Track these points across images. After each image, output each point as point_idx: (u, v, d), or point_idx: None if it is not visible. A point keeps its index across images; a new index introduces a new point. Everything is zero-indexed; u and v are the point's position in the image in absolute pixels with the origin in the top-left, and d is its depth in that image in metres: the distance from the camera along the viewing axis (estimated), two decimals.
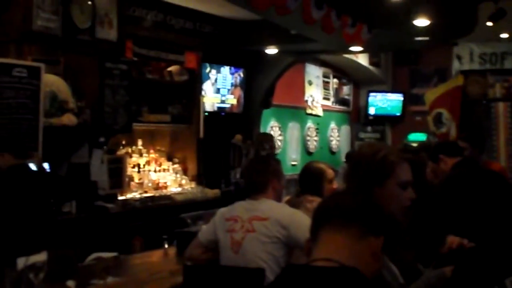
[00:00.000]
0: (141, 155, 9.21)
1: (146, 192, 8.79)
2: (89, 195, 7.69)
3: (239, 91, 11.04)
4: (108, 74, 8.04)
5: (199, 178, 9.84)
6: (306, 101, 13.51)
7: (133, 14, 8.63)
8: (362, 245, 2.04)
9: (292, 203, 4.84)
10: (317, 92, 13.88)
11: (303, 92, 13.40)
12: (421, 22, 9.11)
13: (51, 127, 7.26)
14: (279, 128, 12.51)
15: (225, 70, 10.73)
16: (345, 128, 15.32)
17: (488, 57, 14.14)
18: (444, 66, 14.68)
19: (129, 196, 8.47)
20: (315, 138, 13.82)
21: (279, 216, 4.25)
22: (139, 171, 8.97)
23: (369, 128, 15.50)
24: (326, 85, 14.30)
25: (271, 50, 10.85)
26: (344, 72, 14.91)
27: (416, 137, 13.83)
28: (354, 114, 15.71)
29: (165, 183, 9.23)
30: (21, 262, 3.69)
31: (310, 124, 13.64)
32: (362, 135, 15.51)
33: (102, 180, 7.87)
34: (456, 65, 14.44)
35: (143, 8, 8.79)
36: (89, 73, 7.96)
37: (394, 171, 2.74)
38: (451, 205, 2.72)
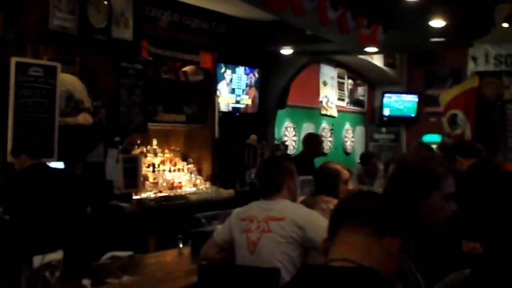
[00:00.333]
0: (156, 154, 9.22)
1: (160, 191, 8.80)
2: (104, 195, 7.72)
3: (254, 92, 11.04)
4: (123, 74, 8.07)
5: (214, 178, 9.85)
6: (321, 101, 13.50)
7: (149, 14, 8.65)
8: (379, 245, 2.03)
9: (307, 204, 4.83)
10: (331, 92, 13.86)
11: (317, 93, 13.39)
12: (437, 23, 9.09)
13: (66, 127, 7.30)
14: (294, 128, 12.51)
15: (240, 70, 10.74)
16: (360, 129, 15.29)
17: (503, 59, 14.04)
18: (459, 67, 14.61)
19: (144, 195, 8.48)
20: (330, 139, 13.80)
21: (295, 217, 4.25)
22: (154, 171, 8.99)
23: (383, 129, 15.47)
24: (340, 86, 14.28)
25: (286, 51, 10.85)
26: (359, 73, 14.89)
27: (431, 139, 13.78)
28: (369, 115, 15.68)
29: (180, 183, 9.24)
30: (37, 260, 3.70)
31: (324, 124, 13.63)
32: (376, 136, 15.49)
33: (117, 179, 7.89)
34: (471, 66, 14.35)
35: (159, 8, 8.80)
36: (104, 73, 8.00)
37: (441, 183, 2.74)
38: (469, 206, 2.72)
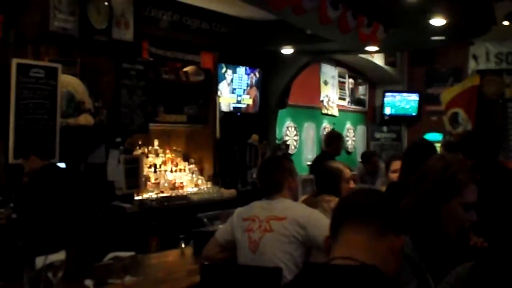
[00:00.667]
0: (157, 155, 9.23)
1: (162, 192, 8.80)
2: (106, 195, 7.73)
3: (255, 91, 11.04)
4: (124, 75, 8.09)
5: (215, 178, 9.85)
6: (322, 101, 13.50)
7: (149, 14, 8.64)
8: (382, 243, 2.04)
9: (309, 203, 4.84)
10: (332, 92, 13.86)
11: (318, 92, 13.39)
12: (437, 21, 9.09)
13: (68, 128, 7.31)
14: (295, 128, 12.51)
15: (241, 70, 10.74)
16: (361, 128, 15.29)
17: (504, 57, 14.06)
18: (460, 66, 14.62)
19: (145, 196, 8.49)
20: None
21: (297, 216, 4.25)
22: (155, 171, 8.99)
23: (385, 128, 15.46)
24: (341, 85, 14.28)
25: (287, 50, 10.85)
26: (360, 72, 14.89)
27: (432, 137, 13.76)
28: (370, 114, 15.68)
29: (181, 183, 9.24)
30: (39, 261, 3.70)
31: (325, 124, 13.62)
32: (377, 135, 15.48)
33: (119, 180, 7.90)
34: (472, 65, 14.38)
35: (159, 8, 8.80)
36: (105, 74, 8.01)
37: (461, 191, 2.69)
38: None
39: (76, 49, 7.69)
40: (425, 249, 2.68)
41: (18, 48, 7.12)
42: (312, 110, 13.23)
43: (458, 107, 13.15)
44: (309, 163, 12.71)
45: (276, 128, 11.69)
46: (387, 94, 15.29)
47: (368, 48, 10.98)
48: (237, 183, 10.07)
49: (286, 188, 4.49)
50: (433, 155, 4.82)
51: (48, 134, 7.05)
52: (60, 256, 3.80)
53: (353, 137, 14.81)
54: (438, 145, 9.72)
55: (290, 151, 11.75)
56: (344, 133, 14.44)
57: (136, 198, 8.25)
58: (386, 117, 15.42)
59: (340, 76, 14.19)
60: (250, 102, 10.99)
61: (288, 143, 11.81)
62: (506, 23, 9.91)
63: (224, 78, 10.40)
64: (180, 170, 9.48)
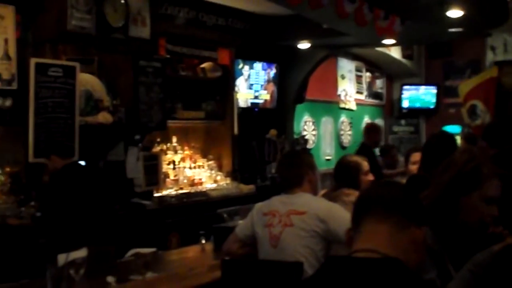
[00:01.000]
0: (176, 152, 9.24)
1: (181, 188, 8.83)
2: (125, 193, 7.76)
3: (272, 87, 11.04)
4: (142, 72, 8.10)
5: (234, 174, 9.86)
6: (339, 95, 13.48)
7: (165, 11, 8.67)
8: (404, 235, 2.03)
9: (329, 197, 4.83)
10: (350, 86, 13.83)
11: (336, 87, 13.37)
12: (454, 13, 9.03)
13: (86, 126, 7.35)
14: (313, 123, 12.49)
15: (258, 65, 10.74)
16: (379, 122, 15.22)
17: None
18: (477, 58, 14.54)
19: (165, 192, 8.52)
20: (349, 132, 13.77)
21: (317, 210, 4.25)
22: (174, 168, 9.01)
23: (402, 122, 15.41)
24: (359, 79, 14.24)
25: (304, 45, 10.84)
26: (377, 66, 14.83)
27: (451, 130, 13.69)
28: (388, 108, 15.63)
29: (200, 179, 9.27)
30: (61, 258, 3.73)
31: (343, 118, 13.60)
32: (395, 128, 15.43)
33: (138, 177, 7.93)
34: (490, 56, 14.30)
35: (175, 5, 8.82)
36: (123, 71, 8.03)
37: (482, 184, 2.69)
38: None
39: (93, 47, 7.72)
40: (447, 239, 2.68)
41: (36, 47, 7.16)
42: (330, 105, 13.20)
43: (476, 99, 13.06)
44: (328, 157, 12.73)
45: (294, 123, 11.69)
46: (404, 87, 15.23)
47: (385, 41, 10.94)
48: (256, 179, 10.08)
49: (306, 182, 4.49)
50: (453, 146, 4.81)
51: (68, 133, 7.09)
52: (82, 253, 3.83)
53: None
54: (457, 138, 9.70)
55: (308, 146, 11.73)
56: (362, 127, 14.39)
57: (156, 195, 8.28)
58: (404, 110, 15.36)
59: (357, 70, 14.16)
60: (268, 97, 10.99)
61: (306, 137, 11.80)
62: None
63: (241, 74, 10.40)
64: (199, 166, 9.49)
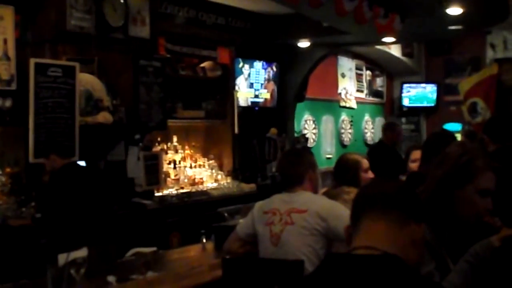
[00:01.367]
0: (176, 151, 9.25)
1: (182, 188, 8.82)
2: (126, 192, 7.76)
3: (272, 85, 11.04)
4: (142, 72, 8.10)
5: (235, 173, 9.86)
6: (340, 93, 13.48)
7: (165, 11, 8.66)
8: (403, 232, 2.03)
9: (329, 195, 4.82)
10: (350, 84, 13.83)
11: (336, 85, 13.37)
12: (454, 10, 9.02)
13: (87, 126, 7.34)
14: (313, 121, 12.49)
15: (258, 64, 10.74)
16: (380, 120, 15.22)
17: None
18: (478, 55, 14.53)
19: (165, 192, 8.52)
20: (350, 131, 13.78)
21: (318, 208, 4.25)
22: (175, 167, 9.01)
23: (403, 120, 15.39)
24: (359, 77, 14.25)
25: (304, 44, 10.84)
26: (377, 64, 14.83)
27: (452, 127, 13.69)
28: (388, 106, 15.63)
29: (201, 178, 9.27)
30: (62, 258, 3.72)
31: (344, 116, 13.60)
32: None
33: (138, 177, 7.93)
34: (490, 54, 14.29)
35: (175, 4, 8.81)
36: (123, 71, 8.02)
37: (476, 177, 2.71)
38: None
39: (93, 47, 7.71)
40: (443, 233, 2.69)
41: (35, 47, 7.15)
42: (330, 103, 13.21)
43: (476, 96, 13.05)
44: (328, 156, 12.72)
45: (295, 122, 11.69)
46: (405, 85, 15.23)
47: (385, 39, 10.94)
48: (256, 177, 10.08)
49: (306, 180, 4.49)
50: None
51: (68, 133, 7.08)
52: (82, 253, 3.83)
53: (372, 129, 14.76)
54: (457, 135, 9.69)
55: (309, 144, 11.74)
56: (363, 125, 14.41)
57: (156, 194, 8.28)
58: (404, 109, 15.35)
59: (357, 68, 14.16)
60: (268, 96, 10.99)
61: (307, 136, 11.80)
62: None
63: (242, 73, 10.40)
64: (200, 165, 9.50)
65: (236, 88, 10.19)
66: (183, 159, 9.28)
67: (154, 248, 4.99)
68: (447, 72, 15.14)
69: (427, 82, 15.35)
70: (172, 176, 8.90)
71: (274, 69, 11.06)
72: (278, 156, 9.97)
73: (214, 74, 9.90)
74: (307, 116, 12.31)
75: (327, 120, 13.02)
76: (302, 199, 4.35)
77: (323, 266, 2.01)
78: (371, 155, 9.56)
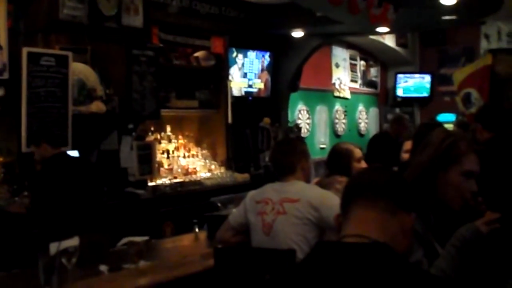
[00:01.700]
0: (170, 141, 9.24)
1: (175, 177, 8.82)
2: (119, 182, 7.75)
3: (266, 75, 11.03)
4: (135, 61, 8.07)
5: (228, 163, 9.86)
6: (334, 84, 13.47)
7: (158, 0, 8.62)
8: (393, 221, 2.03)
9: (322, 185, 4.83)
10: (344, 74, 13.83)
11: (330, 75, 13.37)
12: (448, 0, 9.02)
13: (80, 115, 7.32)
14: (307, 111, 12.49)
15: (252, 54, 10.72)
16: (373, 110, 15.25)
17: None
18: (472, 46, 14.54)
19: (159, 182, 8.51)
20: (343, 121, 13.78)
21: (310, 198, 4.25)
22: (168, 157, 9.01)
23: (397, 110, 15.37)
24: (353, 68, 14.24)
25: (297, 33, 10.82)
26: (371, 54, 14.83)
27: (446, 118, 13.71)
28: (382, 96, 15.63)
29: (195, 168, 9.26)
30: (53, 247, 3.72)
31: (338, 107, 13.60)
32: (390, 117, 15.41)
33: (132, 166, 7.93)
34: (484, 44, 14.29)
35: None
36: (116, 60, 8.00)
37: (460, 158, 2.75)
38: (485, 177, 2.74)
39: (86, 36, 7.69)
40: (429, 218, 2.71)
41: (28, 37, 7.12)
42: (324, 93, 13.20)
43: (470, 87, 13.04)
44: (322, 146, 12.72)
45: (289, 112, 11.68)
46: (399, 75, 15.23)
47: (379, 29, 10.93)
48: (250, 167, 10.08)
49: (299, 170, 4.49)
50: None
51: (60, 122, 7.06)
52: (74, 242, 3.83)
53: (366, 119, 14.78)
54: (451, 126, 9.69)
55: (302, 134, 11.74)
56: (357, 115, 14.42)
57: (150, 184, 8.28)
58: (398, 99, 15.36)
59: (351, 59, 14.15)
60: (262, 86, 10.98)
61: (300, 126, 11.80)
62: None
63: (235, 62, 10.38)
64: (193, 155, 9.49)
65: (230, 77, 10.17)
66: (177, 148, 9.26)
67: (147, 237, 4.99)
68: (441, 62, 15.15)
69: (421, 72, 15.36)
70: (166, 166, 8.89)
71: (268, 59, 11.04)
72: (271, 146, 9.96)
73: (207, 63, 9.88)
74: (301, 106, 12.31)
75: (321, 110, 13.01)
76: (294, 189, 4.35)
77: (312, 254, 2.01)
78: (371, 144, 9.62)
